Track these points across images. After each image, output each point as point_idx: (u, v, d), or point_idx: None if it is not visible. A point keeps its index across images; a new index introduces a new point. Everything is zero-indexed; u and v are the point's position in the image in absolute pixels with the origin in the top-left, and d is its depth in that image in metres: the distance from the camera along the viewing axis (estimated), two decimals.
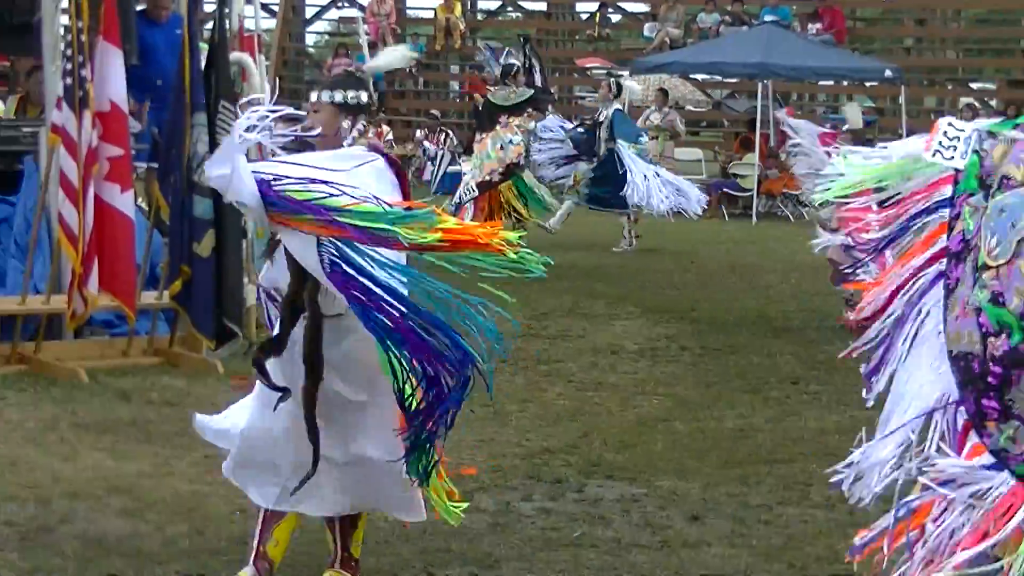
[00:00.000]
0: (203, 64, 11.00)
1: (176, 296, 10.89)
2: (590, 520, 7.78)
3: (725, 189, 27.55)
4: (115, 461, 8.58)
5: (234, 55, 11.14)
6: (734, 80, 32.35)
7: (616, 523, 7.76)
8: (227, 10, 11.28)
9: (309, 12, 38.70)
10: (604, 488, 8.41)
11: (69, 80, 10.38)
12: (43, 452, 8.70)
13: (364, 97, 6.44)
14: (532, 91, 18.34)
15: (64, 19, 11.04)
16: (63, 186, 10.44)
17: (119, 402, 10.03)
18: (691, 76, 32.78)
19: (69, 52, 10.43)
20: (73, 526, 7.34)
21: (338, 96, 6.37)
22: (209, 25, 12.19)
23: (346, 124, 6.36)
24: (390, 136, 32.02)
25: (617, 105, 19.78)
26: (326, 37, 41.85)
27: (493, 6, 39.76)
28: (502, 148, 17.68)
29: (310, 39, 40.96)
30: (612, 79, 21.03)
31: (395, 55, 7.24)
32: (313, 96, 6.48)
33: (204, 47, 11.32)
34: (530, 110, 18.14)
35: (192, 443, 8.93)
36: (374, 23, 35.78)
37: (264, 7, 27.62)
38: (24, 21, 12.53)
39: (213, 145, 10.79)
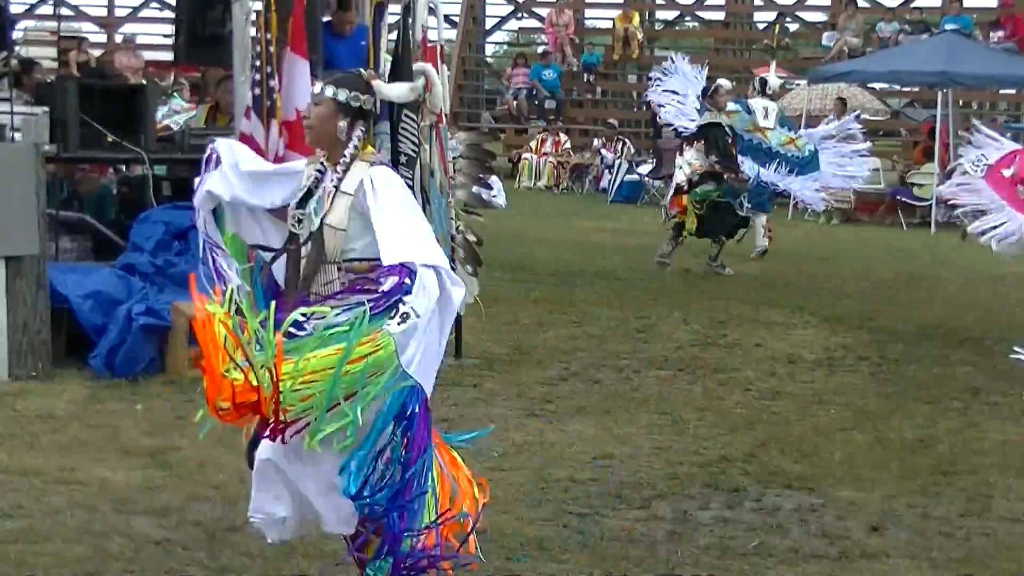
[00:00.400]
0: (387, 74, 11.08)
1: None
2: (767, 529, 7.70)
3: (900, 197, 27.25)
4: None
5: (417, 65, 11.16)
6: (913, 89, 31.95)
7: (794, 533, 7.67)
8: (411, 21, 11.32)
9: (489, 23, 38.86)
10: (782, 498, 8.32)
11: (257, 90, 10.53)
12: (230, 453, 8.79)
13: (368, 103, 6.11)
14: None
15: (253, 31, 11.20)
16: None
17: None
18: (869, 85, 32.45)
19: (258, 63, 10.58)
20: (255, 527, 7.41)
21: (342, 94, 6.03)
22: (392, 36, 12.27)
23: (342, 125, 6.04)
24: (568, 144, 32.10)
25: (764, 102, 19.40)
26: (504, 47, 42.09)
27: (671, 16, 39.68)
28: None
29: (489, 49, 41.19)
30: (757, 78, 20.66)
31: (401, 90, 6.89)
32: (316, 87, 6.18)
33: (387, 57, 11.39)
34: None
35: None
36: (552, 33, 35.94)
37: (445, 18, 27.83)
38: (215, 33, 12.75)
39: (395, 153, 10.91)
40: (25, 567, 6.71)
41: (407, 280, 5.53)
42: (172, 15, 25.70)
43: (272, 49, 10.51)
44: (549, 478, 8.47)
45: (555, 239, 21.29)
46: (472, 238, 11.62)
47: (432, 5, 11.72)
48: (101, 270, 11.67)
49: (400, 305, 5.49)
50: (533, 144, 32.77)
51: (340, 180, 6.01)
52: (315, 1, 11.38)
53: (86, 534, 7.20)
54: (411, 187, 10.91)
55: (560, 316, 14.08)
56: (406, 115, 10.90)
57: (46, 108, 12.26)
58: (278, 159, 10.53)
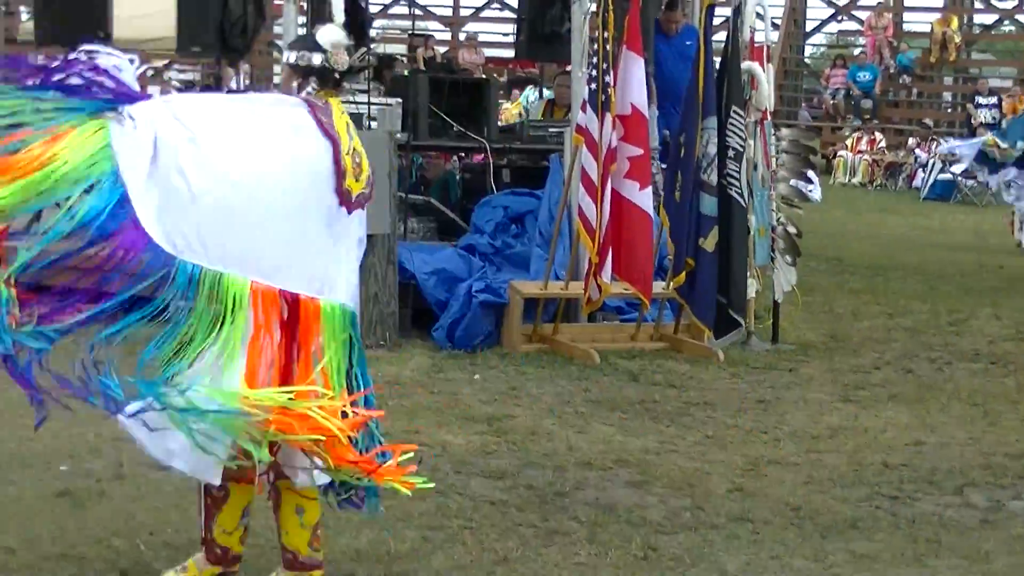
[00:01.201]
0: (715, 73, 11.05)
1: (679, 288, 10.96)
2: None
3: None
4: (623, 436, 8.68)
5: (745, 64, 11.14)
6: None
7: None
8: (740, 22, 11.27)
9: (809, 25, 38.35)
10: None
11: (593, 85, 10.55)
12: (559, 424, 8.87)
13: (316, 60, 5.77)
14: None
15: (588, 29, 11.25)
16: (584, 182, 10.62)
17: (627, 382, 10.15)
18: None
19: (595, 59, 10.61)
20: (585, 493, 7.44)
21: (291, 56, 5.85)
22: (718, 36, 12.23)
23: (294, 85, 5.84)
24: (883, 143, 31.54)
25: None
26: (823, 48, 41.49)
27: (990, 20, 38.59)
28: None
29: (808, 50, 40.62)
30: None
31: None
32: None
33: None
34: None
35: (694, 423, 9.04)
36: (871, 36, 35.34)
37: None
38: (554, 31, 12.88)
39: (722, 147, 10.86)
40: (376, 517, 6.86)
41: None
42: (513, 15, 26.02)
43: (608, 47, 10.53)
44: (863, 461, 8.32)
45: (869, 233, 20.99)
46: (792, 230, 11.52)
47: (760, 8, 11.66)
48: (445, 249, 11.87)
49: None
50: (849, 142, 32.43)
51: None
52: (650, 2, 11.36)
53: (429, 492, 7.33)
54: (736, 180, 10.89)
55: (874, 307, 13.85)
56: (734, 111, 10.86)
57: (399, 100, 12.54)
58: (610, 151, 10.57)
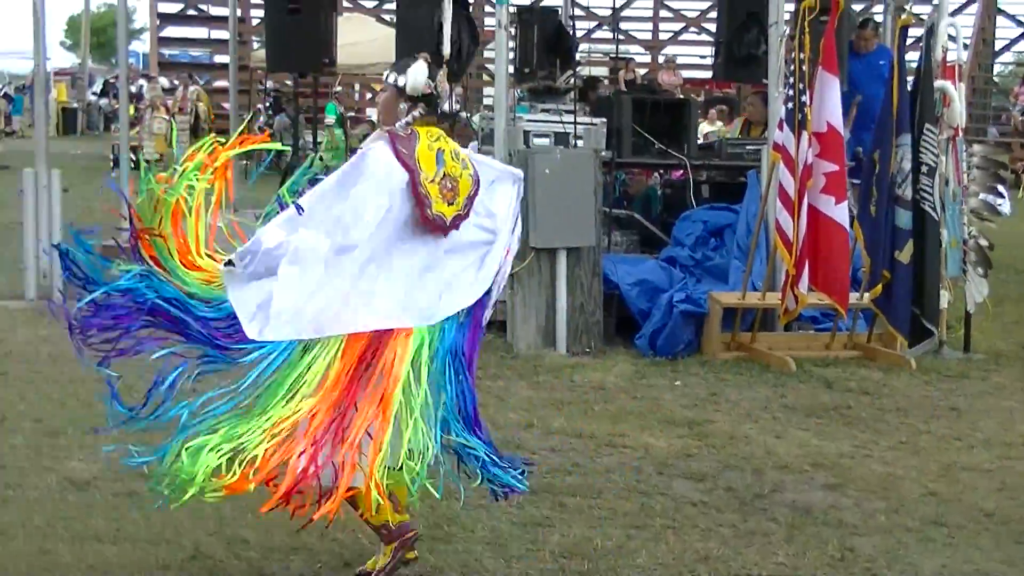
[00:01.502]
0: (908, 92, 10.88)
1: (876, 299, 10.81)
2: None
3: None
4: (819, 440, 8.55)
5: (937, 83, 10.94)
6: None
7: None
8: (932, 42, 11.07)
9: (999, 44, 37.57)
10: None
11: (790, 104, 10.45)
12: (757, 428, 8.77)
13: (403, 81, 5.72)
14: None
15: (783, 51, 11.14)
16: (781, 197, 10.52)
17: (822, 389, 10.00)
18: None
19: (791, 80, 10.49)
20: (783, 495, 7.35)
21: (392, 78, 5.78)
22: (910, 56, 12.04)
23: (403, 107, 5.75)
24: None
25: None
26: (1011, 66, 40.66)
27: None
28: None
29: (997, 68, 39.81)
30: None
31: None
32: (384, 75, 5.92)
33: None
34: None
35: (888, 429, 8.88)
36: None
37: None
38: (751, 53, 12.77)
39: (915, 163, 10.68)
40: (581, 516, 6.85)
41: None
42: (710, 38, 25.87)
43: (805, 68, 10.40)
44: None
45: None
46: (983, 242, 11.26)
47: (952, 29, 11.46)
48: (647, 261, 11.84)
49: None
50: None
51: None
52: (844, 23, 11.21)
53: (633, 492, 7.29)
54: (929, 195, 10.69)
55: None
56: (927, 128, 10.69)
57: (604, 119, 12.54)
58: (807, 167, 10.44)
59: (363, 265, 5.52)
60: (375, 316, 5.55)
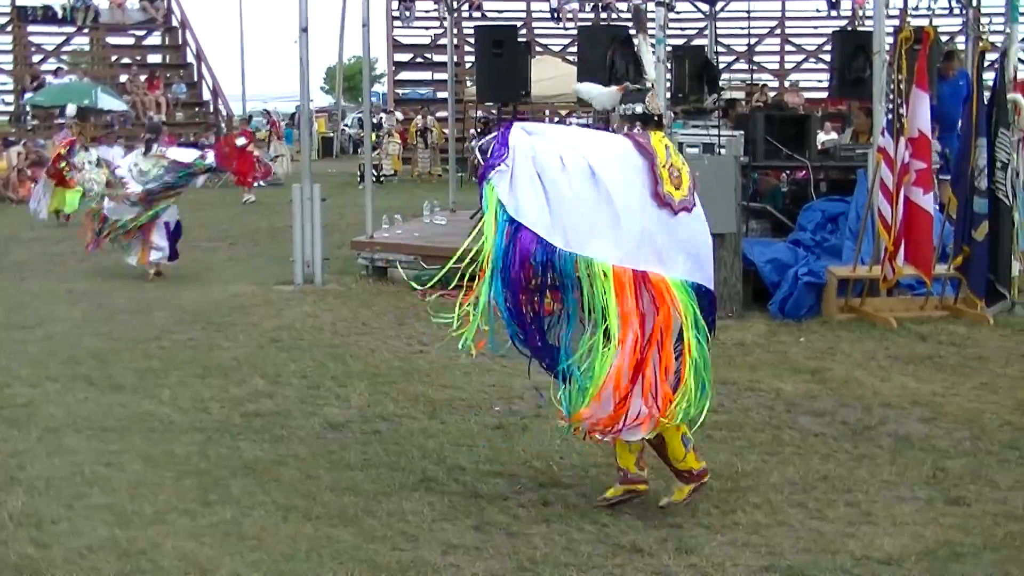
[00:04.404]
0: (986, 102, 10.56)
1: (959, 267, 10.53)
2: None
3: None
4: (916, 383, 8.33)
5: (1011, 95, 10.61)
6: None
7: None
8: (1006, 62, 10.75)
9: None
10: None
11: (890, 115, 10.29)
12: (866, 374, 8.57)
13: (639, 109, 5.59)
14: None
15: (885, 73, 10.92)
16: (882, 190, 10.32)
17: (918, 342, 9.73)
18: None
19: (891, 95, 10.30)
20: (887, 427, 7.18)
21: (620, 109, 5.66)
22: (987, 75, 11.68)
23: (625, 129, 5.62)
24: None
25: None
26: None
27: None
28: None
29: None
30: None
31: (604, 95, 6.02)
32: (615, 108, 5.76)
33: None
34: None
35: (972, 373, 8.66)
36: None
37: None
38: (858, 76, 12.54)
39: (991, 160, 10.37)
40: (726, 445, 6.78)
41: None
42: (826, 65, 25.41)
43: (903, 86, 10.19)
44: None
45: None
46: None
47: (1022, 53, 11.14)
48: (777, 243, 11.68)
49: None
50: None
51: None
52: (934, 50, 10.91)
53: (767, 426, 7.20)
54: (1003, 185, 10.35)
55: None
56: (1001, 132, 10.39)
57: (742, 132, 12.38)
58: (903, 166, 10.21)
59: (622, 212, 5.38)
60: (647, 262, 5.42)
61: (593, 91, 5.97)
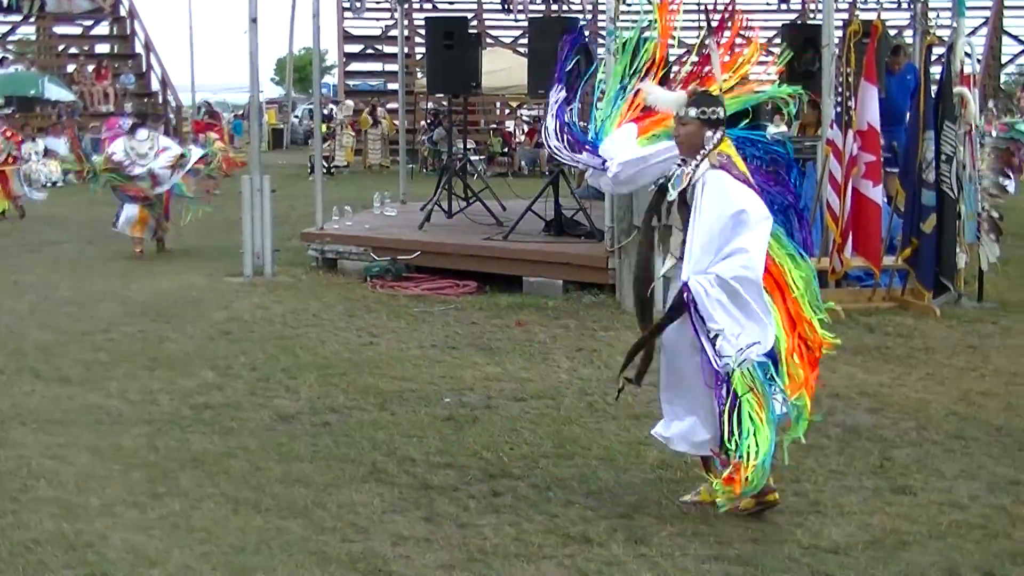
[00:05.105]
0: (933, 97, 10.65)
1: (908, 260, 10.61)
2: None
3: None
4: (864, 373, 8.39)
5: (956, 89, 10.67)
6: None
7: None
8: (952, 57, 10.83)
9: (1004, 58, 36.63)
10: None
11: (839, 108, 10.35)
12: None
13: (721, 113, 5.44)
14: None
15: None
16: (831, 182, 10.41)
17: (866, 333, 9.80)
18: None
19: (840, 89, 10.36)
20: (835, 417, 7.21)
21: (693, 112, 5.43)
22: (934, 69, 11.76)
23: (708, 135, 5.40)
24: None
25: None
26: (1015, 76, 39.59)
27: None
28: None
29: (1003, 78, 38.77)
30: None
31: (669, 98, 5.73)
32: (681, 111, 5.48)
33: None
34: None
35: (918, 363, 8.72)
36: None
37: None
38: (808, 69, 12.57)
39: (938, 152, 10.45)
40: None
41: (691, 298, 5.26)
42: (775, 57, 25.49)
43: (851, 79, 10.28)
44: None
45: None
46: (995, 214, 10.99)
47: (968, 47, 11.22)
48: None
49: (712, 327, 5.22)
50: None
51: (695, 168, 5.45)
52: (882, 43, 10.99)
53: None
54: (947, 178, 10.43)
55: None
56: (947, 125, 10.44)
57: None
58: (851, 158, 10.29)
59: None
60: None
61: (660, 95, 5.87)
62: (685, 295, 5.29)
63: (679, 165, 5.56)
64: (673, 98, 5.68)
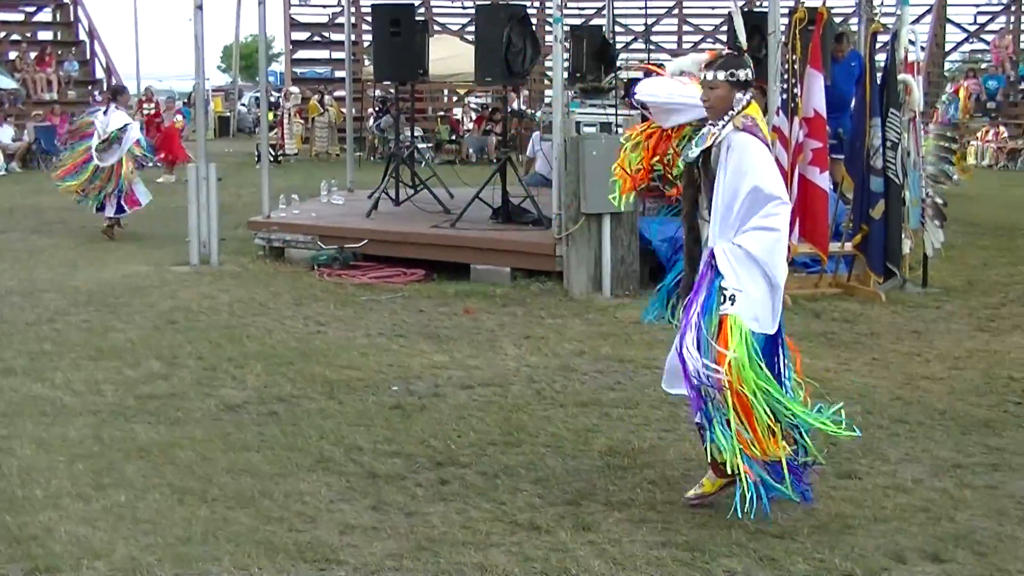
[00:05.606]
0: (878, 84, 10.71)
1: (858, 246, 10.69)
2: None
3: None
4: (810, 359, 8.20)
5: (901, 76, 10.75)
6: None
7: None
8: (896, 45, 10.91)
9: (948, 46, 36.93)
10: None
11: (784, 95, 10.38)
12: None
13: (742, 75, 5.31)
14: None
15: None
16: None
17: (812, 319, 9.88)
18: None
19: (785, 76, 10.40)
20: None
21: (722, 75, 5.30)
22: (879, 56, 11.84)
23: (739, 96, 5.31)
24: (1006, 134, 30.19)
25: None
26: (957, 63, 39.98)
27: None
28: None
29: (947, 65, 39.10)
30: None
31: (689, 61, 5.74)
32: (709, 75, 5.35)
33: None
34: None
35: (864, 349, 8.77)
36: (996, 52, 33.92)
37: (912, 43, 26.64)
38: (754, 56, 12.61)
39: (884, 139, 10.51)
40: (623, 423, 6.81)
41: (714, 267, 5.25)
42: (723, 46, 25.59)
43: (796, 66, 10.32)
44: (994, 376, 7.96)
45: (996, 201, 20.10)
46: (939, 200, 11.09)
47: (912, 35, 11.32)
48: (674, 222, 11.69)
49: (724, 291, 5.21)
50: (979, 134, 31.09)
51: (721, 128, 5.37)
52: (827, 31, 11.04)
53: (664, 403, 7.17)
54: (893, 164, 10.51)
55: (1000, 258, 13.22)
56: (892, 112, 10.51)
57: (639, 111, 12.39)
58: (798, 145, 10.34)
59: None
60: None
61: (679, 61, 5.80)
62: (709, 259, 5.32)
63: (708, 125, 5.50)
64: (691, 60, 5.69)
